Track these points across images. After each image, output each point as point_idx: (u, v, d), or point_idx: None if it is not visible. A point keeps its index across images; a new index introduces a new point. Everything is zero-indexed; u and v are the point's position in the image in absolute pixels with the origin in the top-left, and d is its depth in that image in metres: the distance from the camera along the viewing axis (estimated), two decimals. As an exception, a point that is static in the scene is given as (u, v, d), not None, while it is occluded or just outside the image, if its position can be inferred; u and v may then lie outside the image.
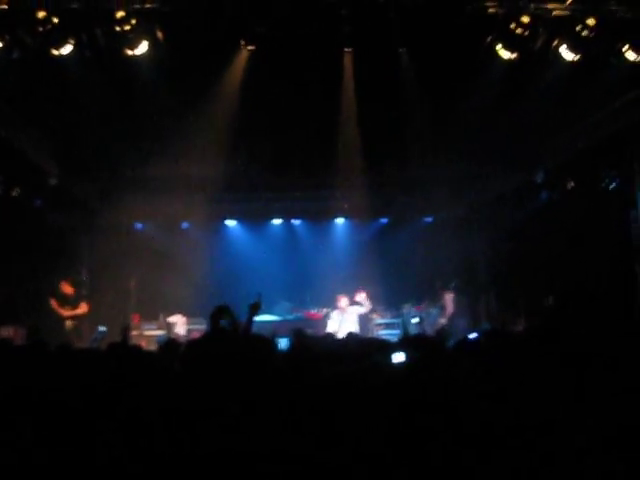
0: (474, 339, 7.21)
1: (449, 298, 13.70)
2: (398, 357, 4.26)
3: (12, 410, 3.75)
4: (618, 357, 3.91)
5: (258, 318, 14.39)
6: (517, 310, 14.30)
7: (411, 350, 4.77)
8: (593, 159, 12.24)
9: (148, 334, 13.68)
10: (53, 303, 13.29)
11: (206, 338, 4.65)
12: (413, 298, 15.26)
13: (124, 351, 5.66)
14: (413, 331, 12.75)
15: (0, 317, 12.08)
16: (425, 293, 15.16)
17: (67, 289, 13.48)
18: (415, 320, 13.79)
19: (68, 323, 13.34)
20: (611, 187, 12.10)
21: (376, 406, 3.76)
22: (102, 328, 13.06)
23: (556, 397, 3.32)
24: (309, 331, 9.58)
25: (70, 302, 13.40)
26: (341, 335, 10.61)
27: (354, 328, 12.59)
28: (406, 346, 5.65)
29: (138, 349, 6.41)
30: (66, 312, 13.28)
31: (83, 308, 13.47)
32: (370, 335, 12.99)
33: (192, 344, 4.53)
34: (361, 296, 13.23)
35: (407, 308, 14.86)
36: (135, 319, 13.54)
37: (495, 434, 3.29)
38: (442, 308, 13.67)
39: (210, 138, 12.26)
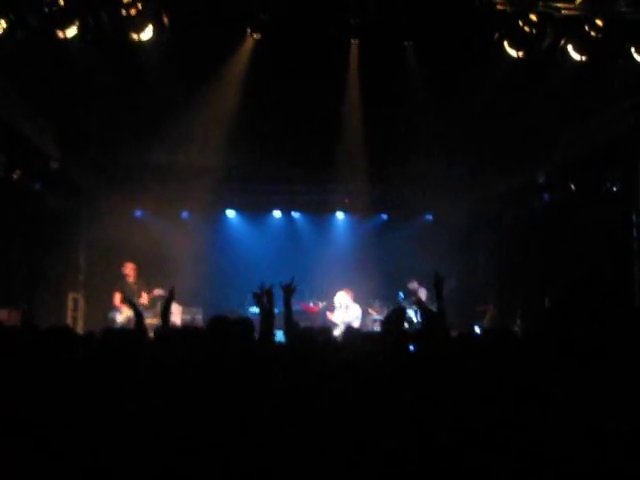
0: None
1: (422, 292, 13.82)
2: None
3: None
4: (617, 357, 3.86)
5: (256, 310, 14.50)
6: (514, 311, 14.26)
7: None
8: (596, 161, 12.18)
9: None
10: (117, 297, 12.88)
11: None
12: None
13: (119, 335, 5.60)
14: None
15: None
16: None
17: (130, 273, 13.22)
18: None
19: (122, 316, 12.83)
20: (614, 189, 12.03)
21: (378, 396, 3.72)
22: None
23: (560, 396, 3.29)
24: (303, 325, 9.53)
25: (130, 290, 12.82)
26: (340, 329, 10.65)
27: (355, 323, 12.67)
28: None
29: (136, 333, 6.35)
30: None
31: (144, 298, 12.95)
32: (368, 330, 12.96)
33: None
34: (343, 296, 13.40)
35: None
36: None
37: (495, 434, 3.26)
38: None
39: (212, 127, 12.22)
